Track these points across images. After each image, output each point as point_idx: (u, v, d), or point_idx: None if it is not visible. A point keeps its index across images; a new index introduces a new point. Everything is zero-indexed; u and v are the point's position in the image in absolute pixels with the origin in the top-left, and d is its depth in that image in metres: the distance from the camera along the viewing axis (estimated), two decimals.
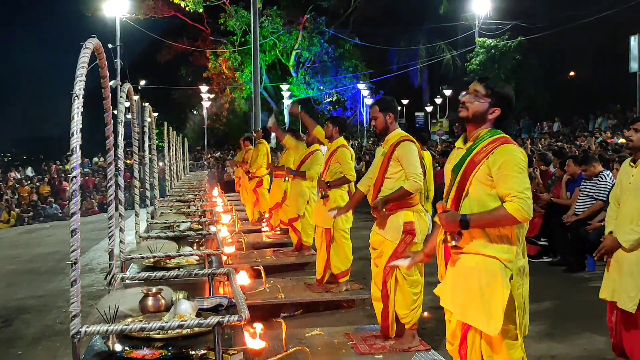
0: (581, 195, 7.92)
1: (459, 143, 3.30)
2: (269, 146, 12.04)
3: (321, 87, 41.44)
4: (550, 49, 34.59)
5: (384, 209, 4.81)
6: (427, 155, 7.82)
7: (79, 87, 2.39)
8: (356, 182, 6.63)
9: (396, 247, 4.78)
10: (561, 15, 30.65)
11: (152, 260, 4.28)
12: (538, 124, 30.68)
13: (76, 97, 2.37)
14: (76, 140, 2.35)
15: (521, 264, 3.14)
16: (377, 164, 4.99)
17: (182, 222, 6.26)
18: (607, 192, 7.27)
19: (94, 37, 2.78)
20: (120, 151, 4.23)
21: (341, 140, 6.77)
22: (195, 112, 45.52)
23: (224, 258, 6.50)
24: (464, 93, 3.28)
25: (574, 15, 29.79)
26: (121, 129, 4.25)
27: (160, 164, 16.61)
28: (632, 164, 4.39)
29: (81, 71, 2.45)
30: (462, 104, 3.23)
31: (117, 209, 3.89)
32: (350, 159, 6.70)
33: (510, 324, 3.09)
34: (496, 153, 3.06)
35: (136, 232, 5.27)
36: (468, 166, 3.14)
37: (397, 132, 4.95)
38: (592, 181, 7.77)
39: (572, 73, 41.96)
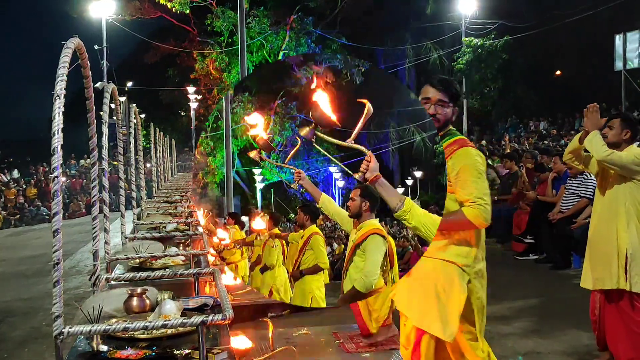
0: (567, 192, 7.97)
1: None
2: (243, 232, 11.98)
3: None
4: (536, 48, 34.77)
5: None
6: (390, 240, 7.73)
7: (60, 87, 2.38)
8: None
9: None
10: (546, 15, 30.82)
11: (137, 260, 4.26)
12: (521, 124, 30.82)
13: (57, 97, 2.35)
14: (57, 141, 2.33)
15: (479, 267, 3.12)
16: (348, 249, 4.96)
17: (169, 222, 6.24)
18: (592, 190, 7.33)
19: (75, 36, 2.76)
20: (106, 152, 4.20)
21: (314, 227, 6.75)
22: (182, 113, 45.39)
23: (211, 259, 6.48)
24: (426, 103, 3.19)
25: (559, 15, 29.97)
26: (105, 130, 4.22)
27: (148, 165, 16.60)
28: None
29: (62, 71, 2.43)
30: (433, 115, 3.16)
31: (101, 210, 3.86)
32: (323, 246, 6.69)
33: (471, 326, 3.08)
34: (454, 157, 3.05)
35: (122, 233, 5.25)
36: None
37: (371, 222, 4.82)
38: (577, 179, 7.82)
39: (558, 72, 42.21)
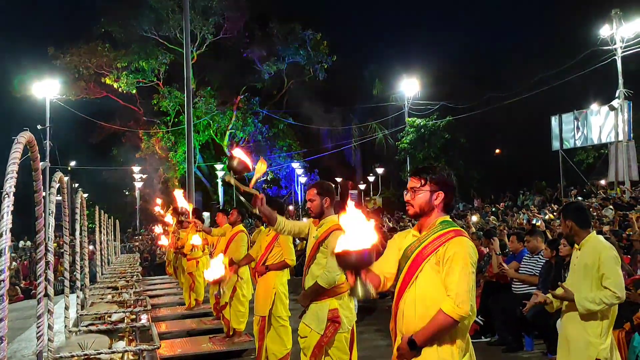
0: (521, 272, 8.03)
1: (414, 231, 3.32)
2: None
3: (255, 166, 41.52)
4: (477, 128, 35.94)
5: (309, 302, 4.76)
6: None
7: (10, 185, 2.27)
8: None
9: (320, 337, 4.65)
10: (485, 96, 32.06)
11: (82, 358, 4.04)
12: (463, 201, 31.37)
13: (6, 195, 2.24)
14: (5, 241, 2.21)
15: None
16: (309, 246, 4.93)
17: (114, 312, 5.99)
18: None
19: (27, 129, 2.68)
20: (51, 232, 4.04)
21: None
22: (127, 193, 44.77)
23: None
24: (405, 192, 3.33)
25: (497, 97, 31.23)
26: (52, 208, 4.09)
27: (90, 247, 16.12)
28: (576, 245, 4.58)
29: (12, 167, 2.32)
30: (407, 202, 3.29)
31: (46, 291, 3.66)
32: (291, 242, 6.67)
33: None
34: (447, 245, 3.10)
35: (65, 326, 5.00)
36: (419, 255, 3.17)
37: (333, 218, 4.85)
38: (532, 258, 7.92)
39: (497, 151, 43.58)
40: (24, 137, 2.55)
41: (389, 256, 3.34)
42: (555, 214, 17.23)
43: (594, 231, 4.66)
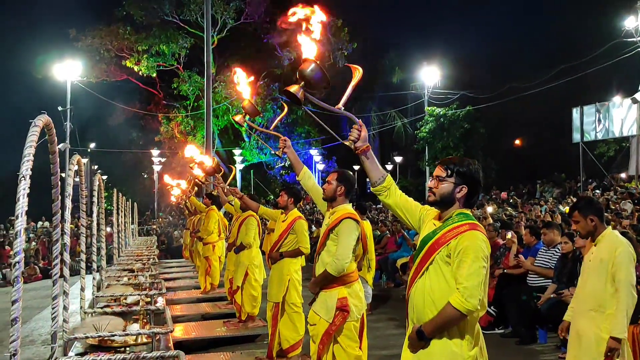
0: (537, 265, 7.99)
1: (435, 220, 3.34)
2: (220, 212, 11.92)
3: (273, 152, 41.55)
4: (497, 118, 35.62)
5: (318, 289, 4.77)
6: (367, 225, 7.85)
7: (26, 168, 2.29)
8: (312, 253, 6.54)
9: (329, 325, 4.65)
10: (506, 87, 31.74)
11: (96, 339, 4.08)
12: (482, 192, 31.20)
13: (23, 178, 2.26)
14: (21, 224, 2.23)
15: (472, 354, 3.14)
16: (321, 233, 4.95)
17: (130, 294, 6.04)
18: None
19: (44, 112, 2.70)
20: (68, 214, 4.07)
21: (297, 211, 6.75)
22: (145, 176, 45.02)
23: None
24: (430, 179, 3.35)
25: (518, 87, 30.91)
26: (70, 190, 4.12)
27: (108, 229, 16.28)
28: (591, 242, 4.54)
29: (29, 150, 2.34)
30: (429, 189, 3.30)
31: (62, 273, 3.69)
32: (306, 230, 6.69)
33: None
34: (459, 238, 3.10)
35: (81, 307, 5.06)
36: (432, 246, 3.19)
37: (345, 207, 4.87)
38: (549, 251, 7.87)
39: (517, 142, 43.25)
40: (41, 120, 2.56)
41: (411, 203, 3.47)
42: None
43: (609, 227, 4.63)
